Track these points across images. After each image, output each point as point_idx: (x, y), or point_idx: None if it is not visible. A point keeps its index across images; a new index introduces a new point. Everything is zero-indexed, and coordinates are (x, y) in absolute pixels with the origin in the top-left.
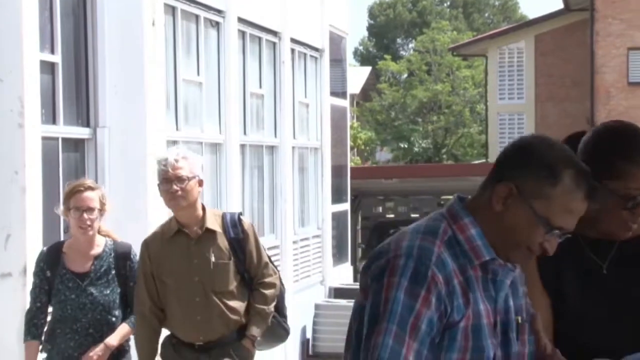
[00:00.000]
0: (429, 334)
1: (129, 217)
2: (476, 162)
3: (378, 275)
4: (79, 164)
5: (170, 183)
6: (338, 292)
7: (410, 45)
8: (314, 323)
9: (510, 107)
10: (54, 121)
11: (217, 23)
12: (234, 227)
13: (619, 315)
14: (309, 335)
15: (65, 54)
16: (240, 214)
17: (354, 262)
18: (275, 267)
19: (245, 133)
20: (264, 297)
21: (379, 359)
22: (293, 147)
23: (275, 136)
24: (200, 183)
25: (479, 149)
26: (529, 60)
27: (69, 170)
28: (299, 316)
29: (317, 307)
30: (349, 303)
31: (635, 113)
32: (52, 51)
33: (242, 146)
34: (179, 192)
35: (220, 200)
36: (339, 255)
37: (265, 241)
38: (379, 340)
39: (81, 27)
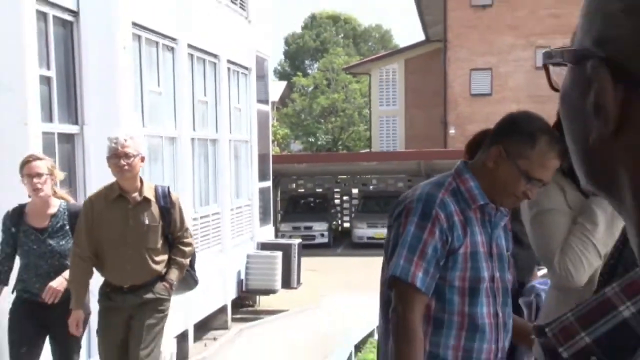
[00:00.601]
0: (434, 256)
1: None
2: (362, 151)
3: (398, 216)
4: (70, 154)
5: (119, 158)
6: (264, 246)
7: (315, 66)
8: (246, 268)
9: (387, 112)
10: (50, 120)
11: (172, 48)
12: (164, 198)
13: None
14: (242, 277)
15: (58, 69)
16: (169, 187)
17: (274, 224)
18: (191, 232)
19: (194, 130)
20: (183, 252)
21: (392, 274)
22: (229, 141)
23: (217, 132)
24: (142, 159)
25: (365, 142)
26: (400, 77)
27: (62, 159)
28: (236, 263)
29: (248, 256)
30: (272, 253)
31: (475, 117)
32: (48, 67)
33: (192, 140)
34: (126, 167)
35: (176, 180)
36: (264, 219)
37: (210, 209)
38: (394, 261)
39: (70, 51)
